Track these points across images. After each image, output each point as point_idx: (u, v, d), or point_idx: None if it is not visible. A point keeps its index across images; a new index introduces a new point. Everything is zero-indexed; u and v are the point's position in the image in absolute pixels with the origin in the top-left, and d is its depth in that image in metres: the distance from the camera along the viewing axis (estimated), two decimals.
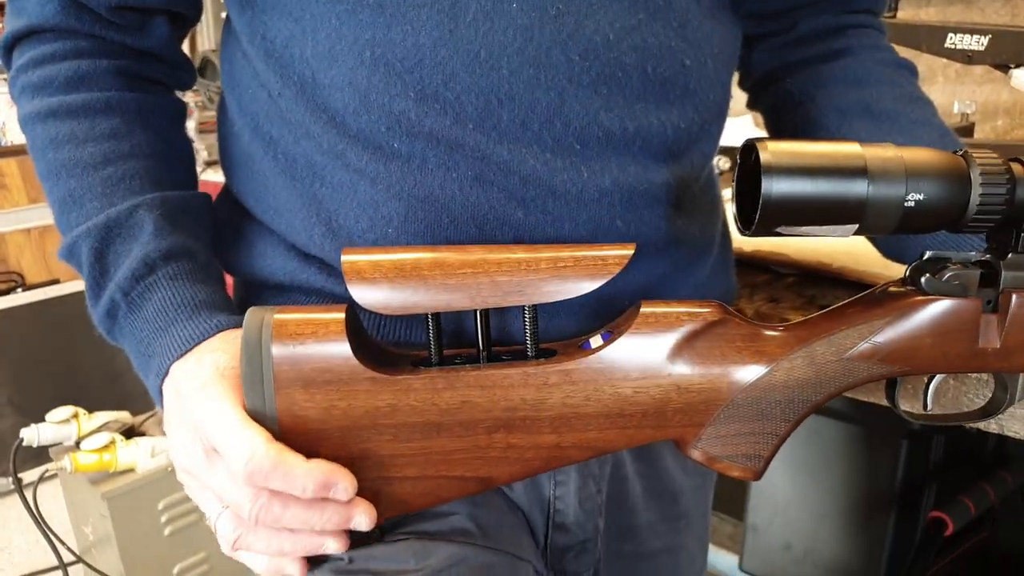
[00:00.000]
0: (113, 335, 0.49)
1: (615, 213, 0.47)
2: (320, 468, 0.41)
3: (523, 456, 0.43)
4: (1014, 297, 0.42)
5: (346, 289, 0.49)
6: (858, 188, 0.38)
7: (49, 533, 1.41)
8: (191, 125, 2.11)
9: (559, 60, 0.44)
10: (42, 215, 2.37)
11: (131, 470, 1.51)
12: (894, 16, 1.25)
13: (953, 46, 1.04)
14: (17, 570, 1.83)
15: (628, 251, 0.42)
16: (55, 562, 1.45)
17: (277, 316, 0.41)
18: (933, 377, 0.48)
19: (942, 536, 0.97)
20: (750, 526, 1.27)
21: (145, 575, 1.54)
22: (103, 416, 1.57)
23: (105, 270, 0.48)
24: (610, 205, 0.47)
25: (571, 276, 0.41)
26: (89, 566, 1.58)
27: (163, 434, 1.65)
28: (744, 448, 0.44)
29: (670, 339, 0.43)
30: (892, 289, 0.44)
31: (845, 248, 0.69)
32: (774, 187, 0.38)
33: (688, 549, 0.67)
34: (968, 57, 1.04)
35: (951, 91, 1.36)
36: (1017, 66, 0.99)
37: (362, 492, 0.43)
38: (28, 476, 1.48)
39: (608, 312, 0.48)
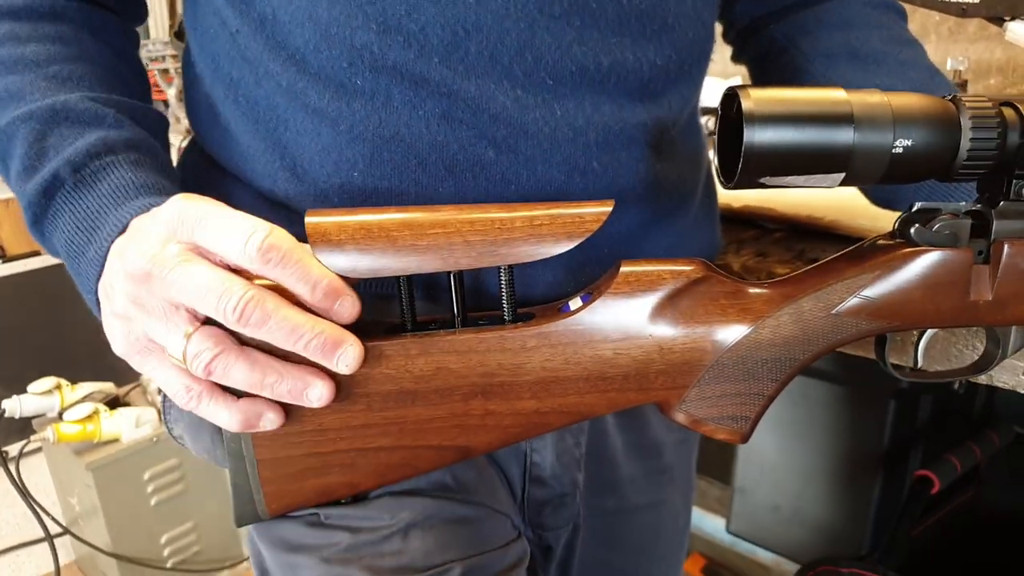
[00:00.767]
0: (41, 223, 0.43)
1: (591, 154, 0.45)
2: (332, 273, 0.37)
3: (501, 423, 0.42)
4: (1006, 247, 0.41)
5: None
6: (844, 135, 0.37)
7: (35, 505, 1.40)
8: (172, 92, 2.06)
9: None
10: None
11: (116, 440, 1.50)
12: None
13: None
14: (4, 542, 1.82)
15: (606, 208, 0.40)
16: (42, 534, 1.44)
17: None
18: (924, 332, 0.47)
19: (928, 494, 0.97)
20: (737, 489, 1.27)
21: (132, 545, 1.54)
22: (87, 387, 1.56)
23: (44, 151, 0.42)
24: (585, 145, 0.45)
25: (547, 235, 0.39)
26: (76, 537, 1.57)
27: (149, 404, 1.64)
28: (730, 410, 0.43)
29: (651, 299, 0.42)
30: (881, 242, 0.43)
31: (835, 202, 0.67)
32: (756, 136, 0.36)
33: (671, 504, 0.66)
34: (963, 10, 1.01)
35: (944, 49, 1.34)
36: (1012, 18, 0.97)
37: (335, 462, 0.42)
38: (13, 449, 1.47)
39: (584, 260, 0.47)
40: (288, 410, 0.40)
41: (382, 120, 0.44)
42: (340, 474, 0.42)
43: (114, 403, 1.55)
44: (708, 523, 1.39)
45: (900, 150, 0.38)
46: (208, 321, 0.37)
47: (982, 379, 0.54)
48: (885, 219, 0.65)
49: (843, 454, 1.15)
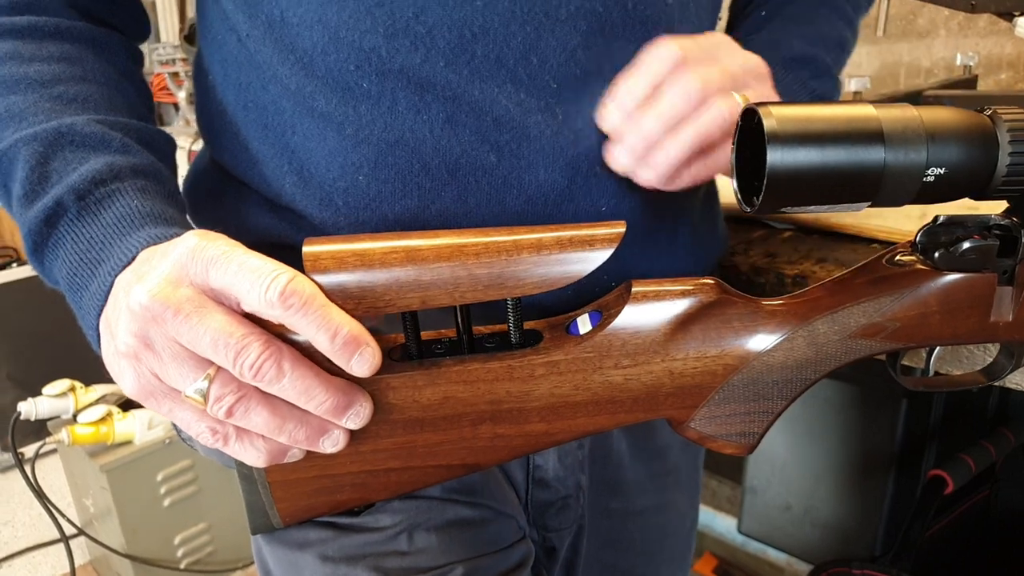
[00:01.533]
0: (41, 250, 0.42)
1: (593, 158, 0.46)
2: (355, 321, 0.36)
3: (510, 444, 0.42)
4: None
5: None
6: (874, 154, 0.34)
7: (50, 507, 1.42)
8: (182, 96, 2.08)
9: None
10: None
11: (129, 442, 1.51)
12: None
13: None
14: (21, 543, 1.84)
15: (618, 229, 0.38)
16: (57, 535, 1.46)
17: None
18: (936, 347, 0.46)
19: (941, 494, 0.96)
20: (748, 488, 1.27)
21: (147, 546, 1.55)
22: (100, 389, 1.57)
23: (47, 175, 0.41)
24: (587, 149, 0.45)
25: (556, 262, 0.37)
26: (91, 538, 1.59)
27: None
28: (739, 427, 0.42)
29: (663, 322, 0.40)
30: (900, 258, 0.41)
31: None
32: (780, 157, 0.33)
33: (678, 506, 0.66)
34: (972, 5, 1.00)
35: (954, 44, 1.33)
36: (1021, 14, 0.96)
37: (346, 482, 0.42)
38: (29, 451, 1.48)
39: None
40: None
41: (387, 124, 0.44)
42: (351, 492, 0.42)
43: (127, 405, 1.56)
44: (720, 523, 1.38)
45: (933, 175, 0.35)
46: None
47: None
48: (893, 217, 0.64)
49: (855, 454, 1.14)
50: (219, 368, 0.36)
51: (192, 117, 2.00)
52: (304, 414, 0.37)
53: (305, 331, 0.35)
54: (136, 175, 0.42)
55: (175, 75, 2.02)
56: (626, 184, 0.47)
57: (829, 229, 0.69)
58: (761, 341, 0.41)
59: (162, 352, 0.36)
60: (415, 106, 0.43)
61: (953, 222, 0.39)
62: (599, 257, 0.37)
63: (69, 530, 1.51)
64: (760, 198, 0.34)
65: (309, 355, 0.37)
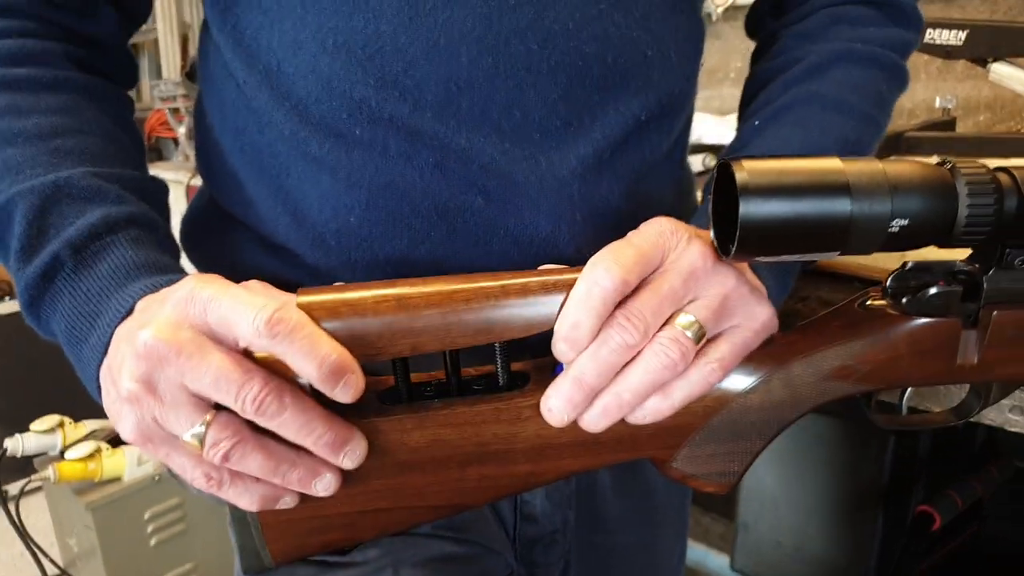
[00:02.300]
0: (38, 305, 0.42)
1: (575, 206, 0.47)
2: (341, 348, 0.36)
3: (497, 484, 0.43)
4: (995, 313, 0.41)
5: (312, 281, 0.49)
6: (841, 208, 0.35)
7: (33, 546, 1.40)
8: (182, 131, 2.10)
9: (518, 49, 0.44)
10: None
11: (118, 479, 1.49)
12: None
13: (932, 41, 1.04)
14: None
15: None
16: (39, 575, 1.43)
17: None
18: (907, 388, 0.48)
19: (930, 530, 0.97)
20: (740, 524, 1.27)
21: None
22: (90, 424, 1.55)
23: (45, 229, 0.42)
24: (569, 197, 0.47)
25: (542, 305, 0.39)
26: None
27: None
28: (719, 467, 0.43)
29: None
30: (871, 304, 0.43)
31: None
32: (752, 209, 0.35)
33: (664, 541, 0.66)
34: (947, 52, 1.04)
35: (933, 87, 1.37)
36: (994, 60, 0.99)
37: (336, 523, 0.42)
38: (13, 488, 1.47)
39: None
40: None
41: (378, 168, 0.45)
42: (341, 532, 0.43)
43: (116, 441, 1.54)
44: (713, 560, 1.38)
45: (898, 226, 0.36)
46: (219, 407, 0.37)
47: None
48: (874, 256, 0.66)
49: (845, 489, 1.14)
50: (216, 415, 0.37)
51: (191, 152, 2.02)
52: (298, 457, 0.38)
53: (292, 359, 0.36)
54: (130, 225, 0.43)
55: (175, 111, 2.05)
56: (609, 230, 0.48)
57: (812, 268, 0.70)
58: (739, 383, 0.42)
59: (164, 396, 0.36)
60: (405, 152, 0.45)
61: (921, 268, 0.41)
62: None
63: (51, 570, 1.49)
64: (734, 247, 0.36)
65: None
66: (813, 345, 0.42)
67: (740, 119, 0.59)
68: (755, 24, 0.65)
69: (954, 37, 1.02)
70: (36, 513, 1.68)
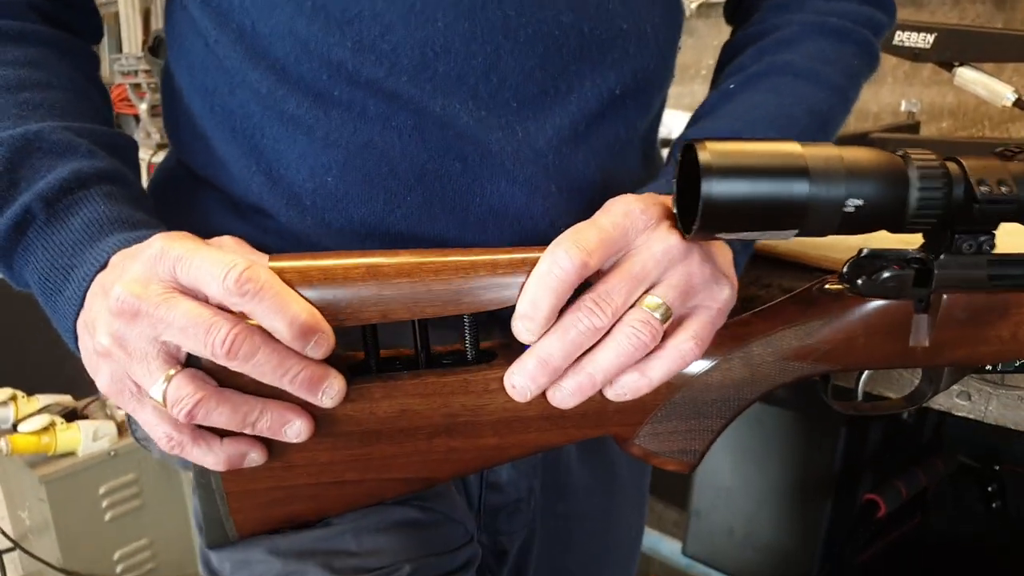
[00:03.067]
0: (10, 256, 0.42)
1: (549, 177, 0.48)
2: (310, 307, 0.37)
3: (464, 458, 0.43)
4: (944, 297, 0.43)
5: (289, 248, 0.48)
6: (799, 187, 0.37)
7: None
8: (143, 107, 2.06)
9: (495, 14, 0.44)
10: None
11: (72, 453, 1.47)
12: None
13: (901, 42, 1.06)
14: None
15: None
16: None
17: None
18: (863, 371, 0.49)
19: (874, 517, 1.00)
20: (693, 511, 1.29)
21: (84, 561, 1.50)
22: (44, 399, 1.53)
23: (15, 182, 0.42)
24: (544, 168, 0.47)
25: (510, 284, 0.39)
26: (26, 552, 1.53)
27: (107, 418, 1.62)
28: (680, 444, 0.45)
29: None
30: (829, 287, 0.45)
31: None
32: (714, 188, 0.36)
33: (623, 514, 0.68)
34: (915, 54, 1.06)
35: (900, 91, 1.40)
36: (960, 64, 1.02)
37: (303, 495, 0.43)
38: None
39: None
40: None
41: (357, 128, 0.45)
42: (307, 503, 0.44)
43: (72, 416, 1.52)
44: (665, 546, 1.40)
45: (852, 206, 0.38)
46: (187, 363, 0.38)
47: None
48: (839, 249, 0.67)
49: (796, 479, 1.17)
50: (180, 371, 0.37)
51: (153, 129, 1.99)
52: (265, 406, 0.38)
53: (262, 317, 0.36)
54: (102, 180, 0.43)
55: (137, 86, 2.01)
56: (584, 204, 0.49)
57: (775, 256, 0.72)
58: (700, 363, 0.43)
59: (133, 351, 0.37)
60: (384, 114, 0.45)
61: (875, 255, 0.43)
62: None
63: (2, 544, 1.46)
64: (696, 224, 0.37)
65: None
66: (772, 326, 0.44)
67: (713, 84, 0.60)
68: (732, 8, 0.66)
69: (922, 40, 1.04)
70: None
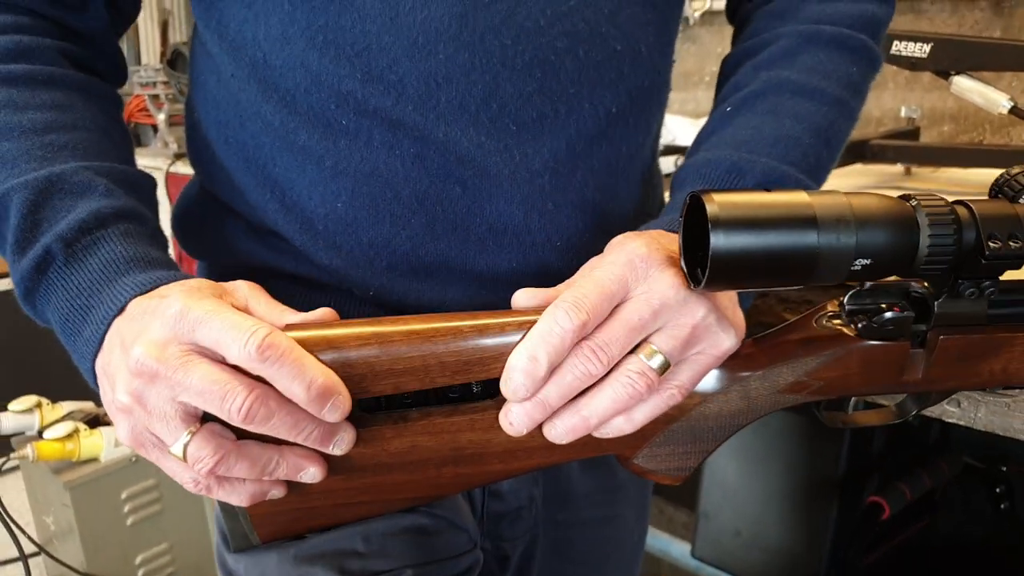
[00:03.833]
0: (33, 296, 0.44)
1: (546, 195, 0.50)
2: (328, 370, 0.38)
3: (470, 480, 0.46)
4: (941, 338, 0.43)
5: (304, 269, 0.51)
6: (808, 240, 0.36)
7: (10, 523, 1.41)
8: (161, 118, 2.10)
9: (492, 45, 0.47)
10: None
11: (95, 459, 1.51)
12: None
13: (898, 53, 1.08)
14: None
15: None
16: (16, 553, 1.45)
17: None
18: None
19: (879, 519, 1.01)
20: (702, 514, 1.31)
21: (107, 565, 1.54)
22: (67, 406, 1.56)
23: (38, 223, 0.43)
24: (540, 187, 0.50)
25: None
26: (51, 556, 1.57)
27: None
28: (676, 463, 0.47)
29: None
30: (827, 323, 0.45)
31: None
32: (722, 241, 0.35)
33: (625, 520, 0.69)
34: (912, 64, 1.08)
35: (900, 97, 1.41)
36: (957, 73, 1.03)
37: (320, 513, 0.46)
38: None
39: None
40: None
41: (363, 158, 0.48)
42: (325, 519, 0.47)
43: (94, 422, 1.55)
44: (675, 548, 1.42)
45: (859, 268, 0.37)
46: (206, 417, 0.39)
47: None
48: None
49: (802, 481, 1.18)
50: (199, 428, 0.39)
51: (171, 139, 2.03)
52: (281, 456, 0.41)
53: (281, 382, 0.38)
54: (120, 219, 0.45)
55: (155, 97, 2.06)
56: (581, 219, 0.52)
57: None
58: (700, 393, 0.45)
59: (153, 410, 0.38)
60: (388, 142, 0.48)
61: (877, 288, 0.43)
62: None
63: (28, 548, 1.50)
64: (704, 279, 0.37)
65: None
66: (770, 360, 0.45)
67: (716, 93, 0.60)
68: (732, 10, 0.67)
69: (919, 50, 1.06)
70: (13, 492, 1.68)
